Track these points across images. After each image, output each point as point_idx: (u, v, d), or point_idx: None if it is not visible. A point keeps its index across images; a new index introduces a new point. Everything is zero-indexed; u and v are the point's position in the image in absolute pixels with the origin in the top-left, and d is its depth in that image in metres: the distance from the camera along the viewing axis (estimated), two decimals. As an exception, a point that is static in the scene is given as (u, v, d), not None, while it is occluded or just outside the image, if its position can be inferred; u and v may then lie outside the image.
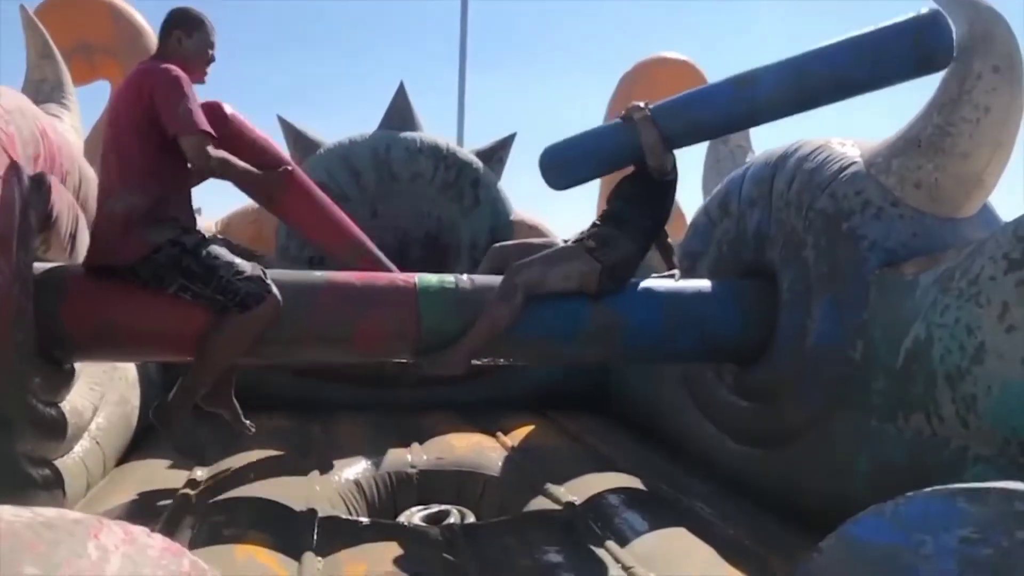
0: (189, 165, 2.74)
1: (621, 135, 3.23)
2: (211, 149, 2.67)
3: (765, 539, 2.64)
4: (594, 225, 3.21)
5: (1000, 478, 2.04)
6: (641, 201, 3.18)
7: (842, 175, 2.97)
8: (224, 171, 2.78)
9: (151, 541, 1.54)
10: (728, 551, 2.51)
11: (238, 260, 2.75)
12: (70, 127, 3.51)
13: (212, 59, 2.84)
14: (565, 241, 3.26)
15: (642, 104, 3.18)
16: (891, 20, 2.82)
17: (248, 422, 3.18)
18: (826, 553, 1.70)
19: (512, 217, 5.05)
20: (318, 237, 3.42)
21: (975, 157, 2.72)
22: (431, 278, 3.04)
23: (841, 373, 2.81)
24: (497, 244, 3.47)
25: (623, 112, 3.23)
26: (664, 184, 3.19)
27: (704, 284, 3.35)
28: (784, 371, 3.07)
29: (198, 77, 2.80)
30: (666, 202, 3.25)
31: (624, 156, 3.29)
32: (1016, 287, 2.15)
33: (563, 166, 3.37)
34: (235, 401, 3.11)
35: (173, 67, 2.70)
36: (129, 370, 3.56)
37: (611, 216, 3.20)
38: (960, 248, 2.55)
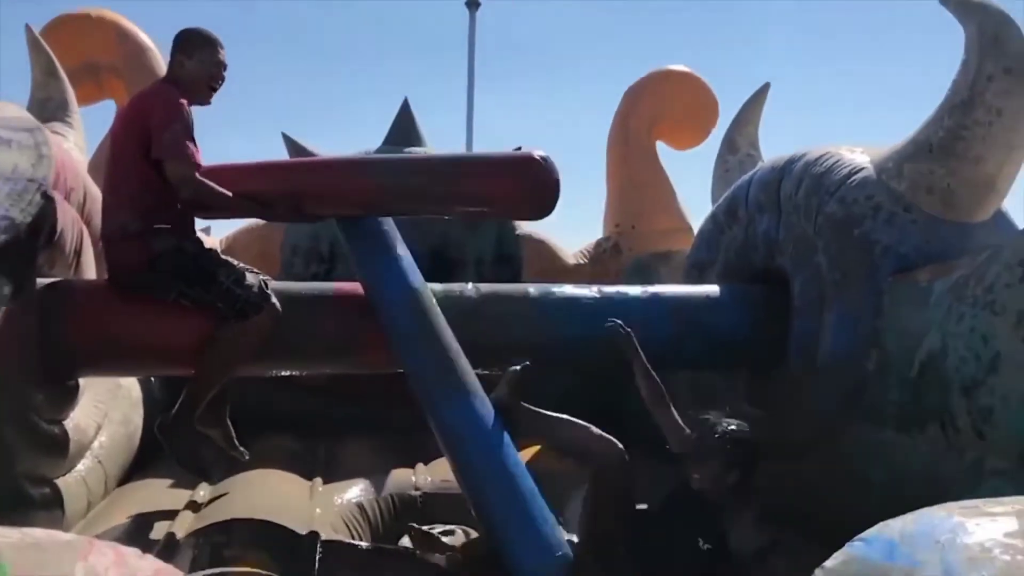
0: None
1: None
2: (195, 176, 2.63)
3: (780, 555, 2.56)
4: None
5: (1016, 492, 1.97)
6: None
7: (851, 180, 2.92)
8: (205, 198, 2.70)
9: (143, 564, 1.50)
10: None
11: (240, 266, 2.76)
12: (74, 145, 3.52)
13: (218, 80, 2.79)
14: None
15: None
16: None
17: (242, 448, 3.07)
18: (832, 571, 1.63)
19: (518, 232, 5.00)
20: None
21: (988, 161, 2.65)
22: (436, 287, 3.00)
23: (855, 383, 2.74)
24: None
25: None
26: None
27: (712, 289, 3.30)
28: (796, 381, 3.00)
29: (200, 99, 2.79)
30: None
31: None
32: (1033, 293, 2.08)
33: None
34: (228, 423, 3.04)
35: (173, 91, 2.71)
36: (133, 389, 3.54)
37: None
38: (975, 254, 2.48)
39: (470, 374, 2.64)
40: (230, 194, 2.72)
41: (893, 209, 2.80)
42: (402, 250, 2.86)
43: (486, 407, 2.59)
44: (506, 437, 2.60)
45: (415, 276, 2.79)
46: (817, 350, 2.95)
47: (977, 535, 1.54)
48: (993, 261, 2.26)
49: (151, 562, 1.54)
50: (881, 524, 1.69)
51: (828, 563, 1.66)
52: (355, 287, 3.00)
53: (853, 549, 1.66)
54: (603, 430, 3.56)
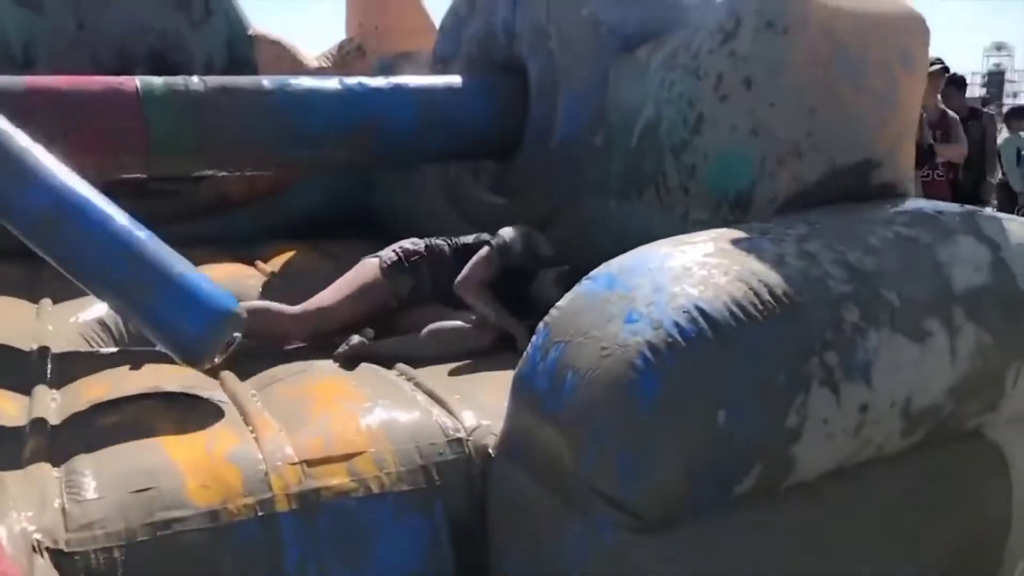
0: None
1: None
2: None
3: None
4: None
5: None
6: None
7: (580, -39, 2.98)
8: None
9: None
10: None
11: None
12: None
13: None
14: None
15: None
16: None
17: None
18: (563, 308, 1.82)
19: (250, 32, 4.61)
20: None
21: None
22: (155, 80, 2.73)
23: (584, 161, 2.94)
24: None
25: None
26: None
27: (456, 80, 3.32)
28: (534, 165, 3.16)
29: None
30: None
31: None
32: (729, 57, 2.31)
33: None
34: None
35: None
36: None
37: None
38: (687, 29, 2.67)
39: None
40: None
41: (617, -11, 2.92)
42: None
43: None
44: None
45: None
46: (551, 134, 3.10)
47: (680, 259, 1.77)
48: (699, 31, 2.45)
49: None
50: (604, 264, 1.90)
51: (560, 302, 1.85)
52: (54, 80, 2.64)
53: (580, 287, 1.86)
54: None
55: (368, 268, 2.71)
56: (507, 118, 3.26)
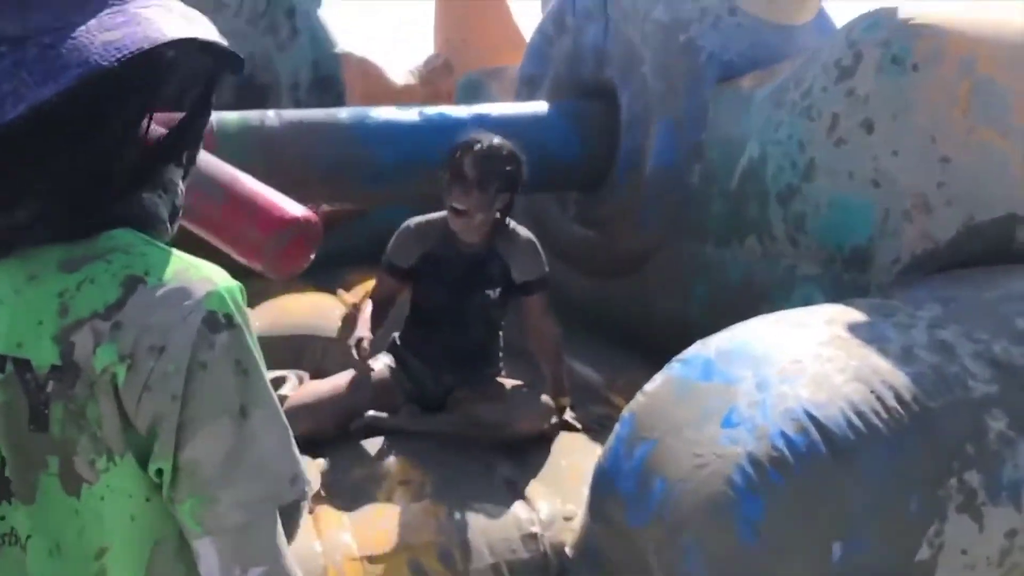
0: None
1: None
2: None
3: (613, 376, 2.59)
4: None
5: (825, 294, 2.02)
6: None
7: (678, -19, 2.74)
8: None
9: None
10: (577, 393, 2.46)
11: None
12: None
13: None
14: None
15: None
16: None
17: None
18: (652, 395, 1.62)
19: (338, 50, 4.56)
20: None
21: (810, -45, 2.53)
22: (231, 116, 2.65)
23: (679, 198, 2.71)
24: None
25: None
26: None
27: (541, 107, 3.14)
28: (624, 198, 2.94)
29: None
30: None
31: None
32: (847, 96, 2.04)
33: None
34: None
35: None
36: None
37: None
38: (796, 58, 2.41)
39: None
40: None
41: (719, 12, 2.66)
42: None
43: None
44: None
45: None
46: (643, 166, 2.88)
47: (789, 348, 1.54)
48: (811, 63, 2.19)
49: None
50: (699, 343, 1.67)
51: (648, 387, 1.65)
52: None
53: (672, 371, 1.64)
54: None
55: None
56: (595, 147, 3.05)
